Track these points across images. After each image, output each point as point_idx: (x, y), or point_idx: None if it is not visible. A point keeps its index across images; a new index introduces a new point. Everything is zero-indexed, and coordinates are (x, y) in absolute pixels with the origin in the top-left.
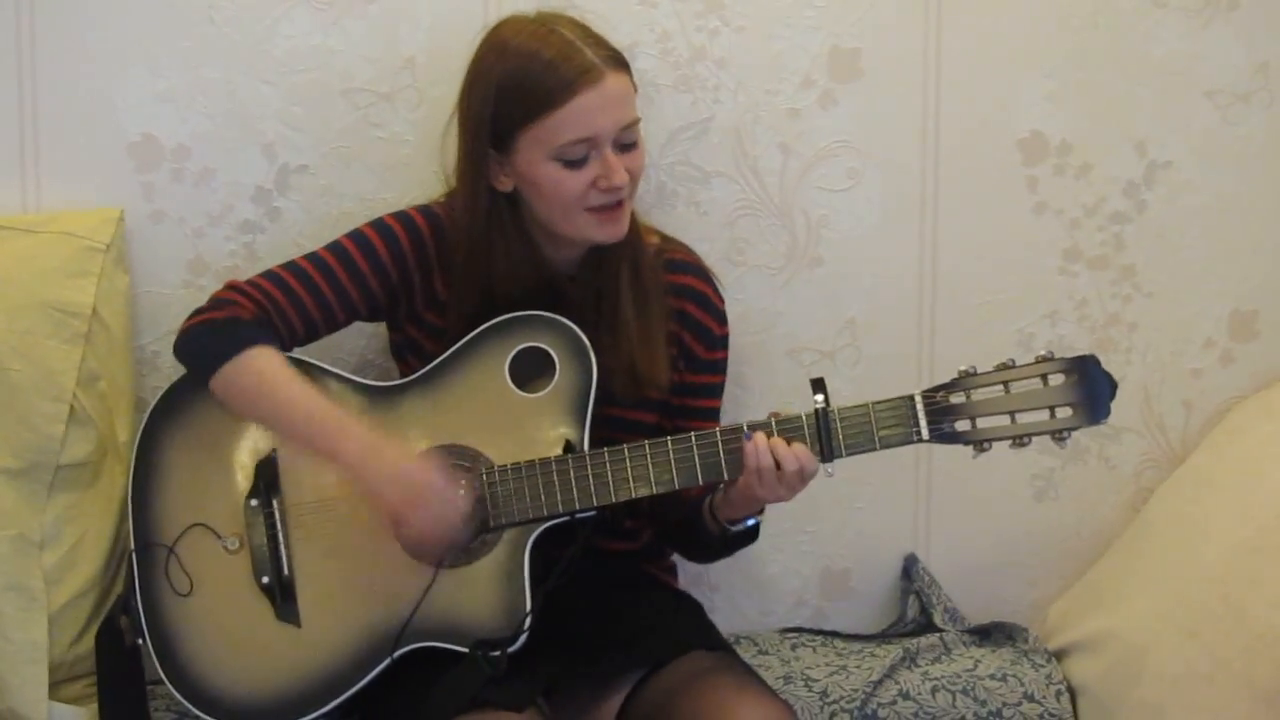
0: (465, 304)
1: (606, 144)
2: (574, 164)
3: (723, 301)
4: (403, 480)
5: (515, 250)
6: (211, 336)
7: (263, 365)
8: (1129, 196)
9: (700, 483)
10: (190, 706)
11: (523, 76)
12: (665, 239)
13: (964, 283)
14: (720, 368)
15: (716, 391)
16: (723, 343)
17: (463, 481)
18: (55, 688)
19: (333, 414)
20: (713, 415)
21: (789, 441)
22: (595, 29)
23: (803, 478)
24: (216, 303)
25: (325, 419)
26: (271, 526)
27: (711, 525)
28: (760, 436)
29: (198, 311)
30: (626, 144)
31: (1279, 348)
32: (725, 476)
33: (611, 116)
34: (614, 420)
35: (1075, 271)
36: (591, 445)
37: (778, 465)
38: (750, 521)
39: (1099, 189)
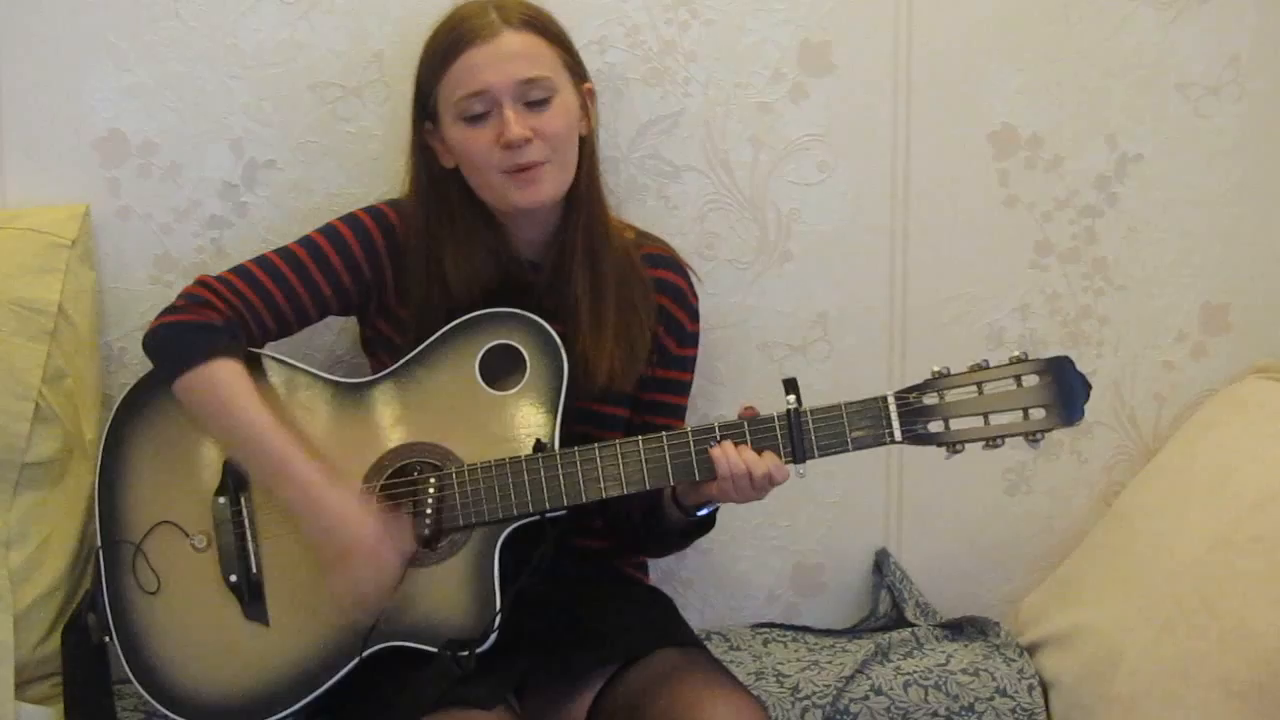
0: (418, 292)
1: (504, 99)
2: (474, 120)
3: (697, 298)
4: (335, 533)
5: (463, 232)
6: (180, 339)
7: (225, 379)
8: (1100, 189)
9: (671, 483)
10: (157, 705)
11: (434, 39)
12: (641, 233)
13: (935, 276)
14: (689, 365)
15: (684, 389)
16: (693, 339)
17: (402, 531)
18: (21, 688)
19: (282, 447)
20: (679, 413)
21: (760, 451)
22: (537, 6)
23: (772, 483)
24: (189, 300)
25: (273, 451)
26: (240, 525)
27: (673, 513)
28: (729, 445)
29: (170, 309)
30: (533, 101)
31: (1251, 340)
32: (697, 477)
33: (503, 71)
34: (586, 413)
35: (1046, 265)
36: (564, 438)
37: (749, 472)
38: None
39: (1070, 182)
